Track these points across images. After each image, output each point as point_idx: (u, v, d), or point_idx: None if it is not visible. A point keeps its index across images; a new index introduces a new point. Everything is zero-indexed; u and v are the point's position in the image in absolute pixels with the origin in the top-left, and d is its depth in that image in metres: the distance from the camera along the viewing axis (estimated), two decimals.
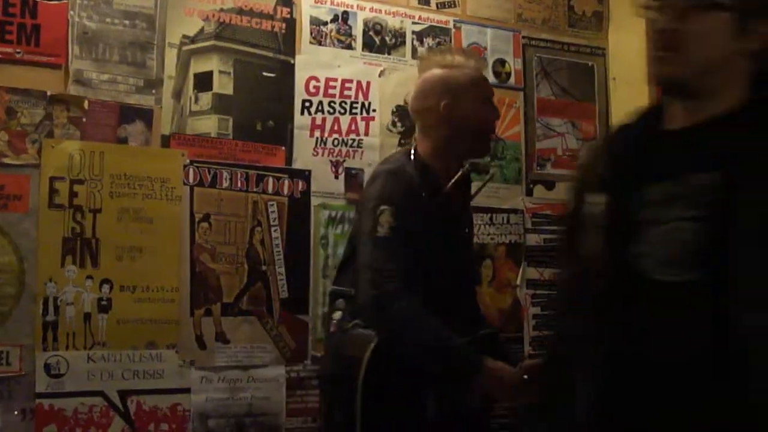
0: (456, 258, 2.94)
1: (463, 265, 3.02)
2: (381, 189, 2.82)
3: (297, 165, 3.71)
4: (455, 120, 2.91)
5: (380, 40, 3.95)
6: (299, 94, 3.76)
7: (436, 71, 2.98)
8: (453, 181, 2.90)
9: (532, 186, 4.24)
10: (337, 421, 2.76)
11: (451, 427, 2.78)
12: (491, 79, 4.12)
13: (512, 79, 4.24)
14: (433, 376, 2.68)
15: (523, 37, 4.30)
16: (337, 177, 3.79)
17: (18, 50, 3.29)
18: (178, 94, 3.52)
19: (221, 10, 3.64)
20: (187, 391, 3.43)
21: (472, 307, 3.06)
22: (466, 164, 2.95)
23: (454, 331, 2.69)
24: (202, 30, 3.59)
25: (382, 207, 2.75)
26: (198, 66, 3.57)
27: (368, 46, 3.92)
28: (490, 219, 4.07)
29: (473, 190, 3.12)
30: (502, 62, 4.21)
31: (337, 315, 2.91)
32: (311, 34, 3.80)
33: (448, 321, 2.70)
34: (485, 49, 4.17)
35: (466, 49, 3.07)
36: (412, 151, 2.98)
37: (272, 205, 3.62)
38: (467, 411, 2.82)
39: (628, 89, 4.40)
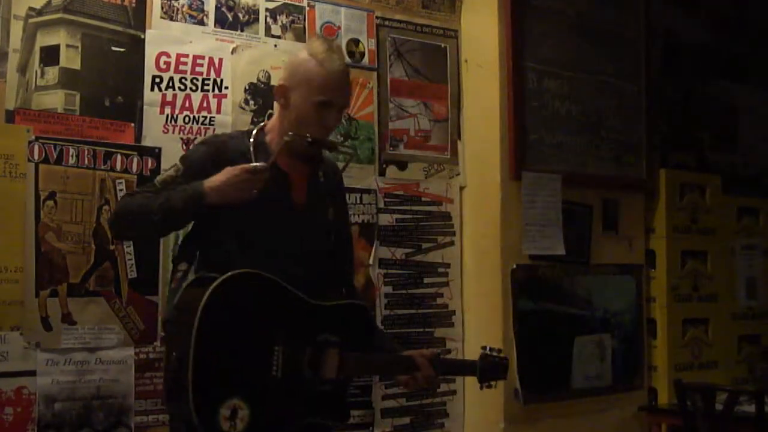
0: (271, 232, 2.91)
1: (284, 245, 2.92)
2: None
3: (146, 142, 3.64)
4: (286, 104, 2.96)
5: (233, 17, 3.90)
6: (149, 70, 3.68)
7: (301, 54, 2.98)
8: (277, 152, 2.87)
9: (384, 166, 4.27)
10: (171, 360, 2.74)
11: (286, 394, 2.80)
12: (345, 59, 4.12)
13: (366, 59, 4.25)
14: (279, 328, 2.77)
15: (377, 17, 4.31)
16: None
17: None
18: (23, 68, 3.40)
19: None
20: (32, 373, 3.35)
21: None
22: (288, 137, 2.88)
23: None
24: (49, 2, 3.47)
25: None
26: (44, 39, 3.45)
27: (220, 22, 3.86)
28: None
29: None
30: (355, 42, 4.22)
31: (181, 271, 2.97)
32: (162, 8, 3.72)
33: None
34: (339, 28, 4.17)
35: (338, 47, 3.05)
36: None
37: (120, 183, 3.55)
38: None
39: (480, 71, 4.47)
